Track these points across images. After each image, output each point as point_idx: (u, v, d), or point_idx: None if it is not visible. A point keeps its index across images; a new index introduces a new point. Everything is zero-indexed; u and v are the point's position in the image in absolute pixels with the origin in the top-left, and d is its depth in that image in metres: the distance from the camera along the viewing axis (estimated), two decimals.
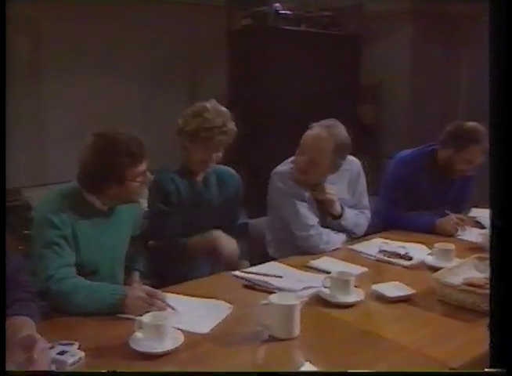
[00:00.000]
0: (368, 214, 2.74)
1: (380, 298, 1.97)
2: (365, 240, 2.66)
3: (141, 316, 1.65)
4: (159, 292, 1.85)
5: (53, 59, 3.85)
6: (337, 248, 2.54)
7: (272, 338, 1.67)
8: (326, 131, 2.46)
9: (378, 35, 4.60)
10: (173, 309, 1.81)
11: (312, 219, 2.49)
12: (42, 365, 1.39)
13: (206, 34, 4.24)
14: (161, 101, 4.19)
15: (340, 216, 2.58)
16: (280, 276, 2.15)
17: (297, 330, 1.68)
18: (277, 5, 4.03)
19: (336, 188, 2.59)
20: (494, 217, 1.01)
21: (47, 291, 1.85)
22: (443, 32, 4.55)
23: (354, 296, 1.94)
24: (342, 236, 2.60)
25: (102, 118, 3.87)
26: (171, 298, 1.88)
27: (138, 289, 1.86)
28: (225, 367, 1.54)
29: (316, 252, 2.44)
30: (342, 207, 2.58)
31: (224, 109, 2.41)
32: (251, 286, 2.09)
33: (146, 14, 3.97)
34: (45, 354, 1.43)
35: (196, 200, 2.45)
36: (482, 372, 1.19)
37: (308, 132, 2.49)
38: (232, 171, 2.64)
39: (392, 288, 2.01)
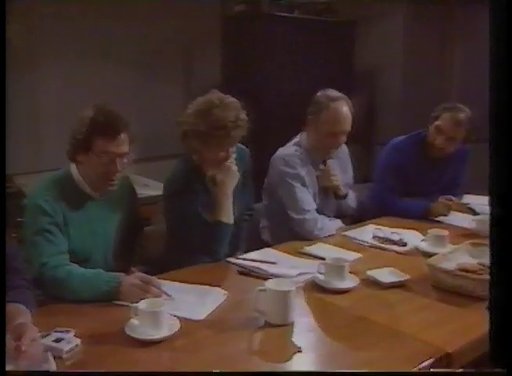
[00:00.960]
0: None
1: (375, 283, 1.97)
2: (359, 226, 2.66)
3: (137, 303, 1.64)
4: (154, 279, 1.84)
5: (46, 47, 3.79)
6: (331, 235, 2.53)
7: (268, 324, 1.66)
8: (345, 103, 2.54)
9: (372, 22, 4.57)
10: (168, 295, 1.80)
11: (309, 204, 2.50)
12: (32, 355, 1.38)
13: (199, 21, 4.19)
14: (155, 89, 4.15)
15: (345, 196, 2.68)
16: (274, 263, 2.14)
17: (292, 316, 1.68)
18: None
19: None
20: (493, 204, 1.00)
21: (41, 279, 1.84)
22: (436, 19, 4.52)
23: (348, 282, 1.94)
24: (337, 223, 2.62)
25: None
26: (167, 284, 1.88)
27: (133, 276, 1.85)
28: (221, 354, 1.53)
29: (311, 238, 2.44)
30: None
31: (232, 99, 2.19)
32: (246, 272, 2.09)
33: (139, 1, 3.92)
34: (35, 344, 1.41)
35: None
36: (482, 372, 1.21)
37: (332, 106, 2.52)
38: (242, 146, 2.44)
39: (386, 274, 2.01)
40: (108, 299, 1.80)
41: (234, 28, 4.29)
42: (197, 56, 4.36)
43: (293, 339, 1.63)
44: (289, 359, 1.51)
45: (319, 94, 2.59)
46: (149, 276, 1.85)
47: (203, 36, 4.29)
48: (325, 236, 2.48)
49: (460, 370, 1.51)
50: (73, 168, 2.05)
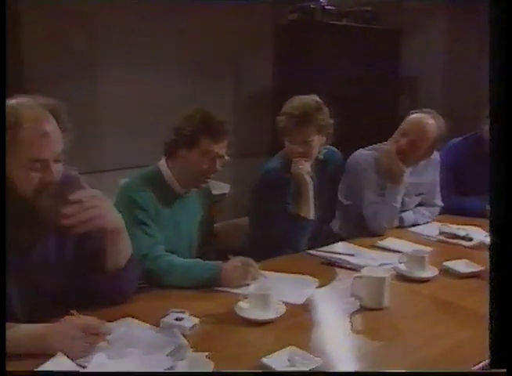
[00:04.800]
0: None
1: (452, 273, 2.08)
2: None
3: (236, 288, 1.77)
4: (253, 262, 1.96)
5: (109, 52, 3.94)
6: (399, 231, 2.64)
7: (364, 308, 1.78)
8: (431, 117, 2.59)
9: (415, 29, 4.68)
10: (265, 277, 1.94)
11: (375, 204, 2.60)
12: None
13: (253, 29, 4.34)
14: (207, 94, 4.26)
15: None
16: (353, 255, 2.25)
17: (386, 301, 1.79)
18: (322, 0, 4.15)
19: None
20: (493, 234, 1.06)
21: (143, 270, 1.92)
22: (476, 26, 4.59)
23: (429, 272, 2.05)
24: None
25: (153, 108, 3.99)
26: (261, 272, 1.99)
27: (233, 260, 1.96)
28: (327, 334, 1.67)
29: (381, 233, 2.56)
30: None
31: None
32: (329, 263, 2.20)
33: (196, 10, 4.06)
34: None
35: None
36: (482, 372, 1.26)
37: (414, 116, 2.62)
38: (333, 148, 2.62)
39: (462, 265, 2.11)
40: (210, 285, 1.91)
41: (286, 36, 4.43)
42: (250, 62, 4.49)
43: (388, 322, 1.74)
44: (392, 340, 1.63)
45: None
46: (247, 259, 1.97)
47: (256, 43, 4.43)
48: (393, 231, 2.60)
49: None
50: (162, 164, 2.16)
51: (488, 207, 2.75)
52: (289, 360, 1.42)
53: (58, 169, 1.53)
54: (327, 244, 2.40)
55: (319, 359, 1.41)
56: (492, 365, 1.06)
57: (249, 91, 4.53)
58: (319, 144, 2.39)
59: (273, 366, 1.38)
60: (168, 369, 1.38)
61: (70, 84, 3.63)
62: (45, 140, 1.48)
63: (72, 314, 1.49)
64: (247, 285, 1.86)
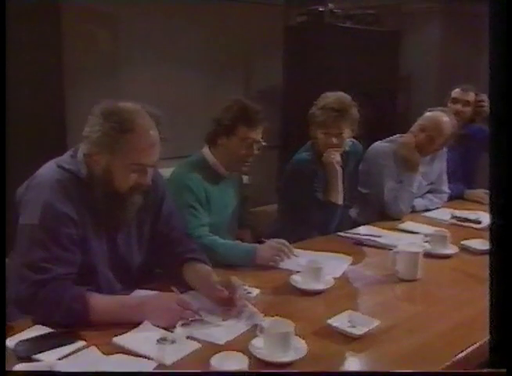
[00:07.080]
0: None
1: (470, 251, 2.28)
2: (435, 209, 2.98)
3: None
4: (286, 243, 2.12)
5: (129, 50, 4.04)
6: (414, 216, 2.82)
7: (401, 280, 1.96)
8: (446, 115, 2.79)
9: (413, 32, 4.87)
10: (296, 256, 2.10)
11: (395, 190, 2.77)
12: (240, 307, 1.64)
13: (264, 30, 4.47)
14: (222, 89, 4.39)
15: None
16: (379, 236, 2.43)
17: (420, 273, 1.97)
18: (330, 4, 4.33)
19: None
20: (493, 215, 1.06)
21: None
22: (472, 30, 4.75)
23: (451, 249, 2.25)
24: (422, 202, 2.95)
25: (170, 103, 4.11)
26: (297, 251, 2.15)
27: (268, 242, 2.12)
28: (375, 301, 1.85)
29: (399, 217, 2.74)
30: None
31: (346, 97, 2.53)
32: (360, 243, 2.38)
33: (209, 11, 4.18)
34: (242, 300, 1.66)
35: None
36: (482, 372, 1.26)
37: (432, 113, 2.81)
38: (356, 141, 2.73)
39: (478, 243, 2.30)
40: (246, 265, 2.06)
41: (295, 37, 4.58)
42: (260, 61, 4.62)
43: (424, 291, 1.93)
44: (429, 305, 1.82)
45: None
46: (281, 240, 2.13)
47: (266, 43, 4.57)
48: (409, 216, 2.78)
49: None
50: (205, 152, 2.30)
51: (466, 191, 3.07)
52: (349, 321, 1.59)
53: (150, 173, 1.69)
54: (349, 229, 2.57)
55: (376, 320, 1.59)
56: (492, 365, 1.07)
57: (260, 88, 4.65)
58: (347, 136, 2.56)
59: (338, 326, 1.56)
60: (247, 331, 1.55)
61: (96, 82, 3.75)
62: (152, 149, 1.63)
63: (172, 290, 1.66)
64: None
